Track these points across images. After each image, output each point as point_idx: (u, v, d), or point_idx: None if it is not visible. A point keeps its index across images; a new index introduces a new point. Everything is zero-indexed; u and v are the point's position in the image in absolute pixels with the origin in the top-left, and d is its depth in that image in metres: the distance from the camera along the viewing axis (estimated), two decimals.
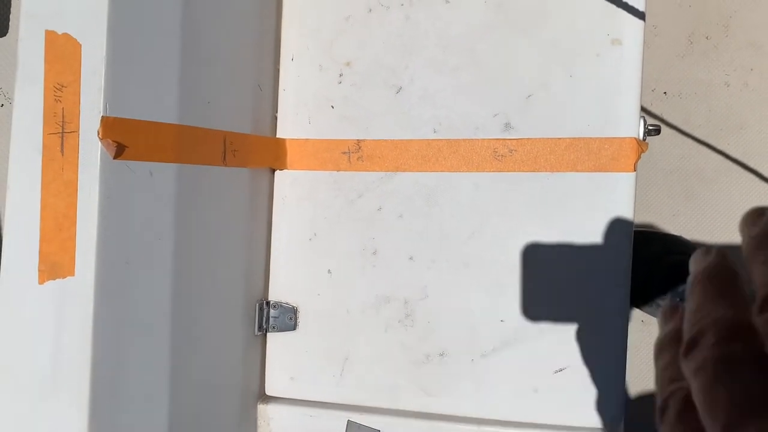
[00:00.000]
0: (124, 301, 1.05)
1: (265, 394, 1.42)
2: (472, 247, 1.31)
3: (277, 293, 1.41)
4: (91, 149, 0.99)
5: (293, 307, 1.40)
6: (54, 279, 1.01)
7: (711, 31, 2.29)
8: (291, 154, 1.39)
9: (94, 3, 0.99)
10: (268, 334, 1.42)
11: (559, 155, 1.27)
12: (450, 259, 1.32)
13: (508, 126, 1.29)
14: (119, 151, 1.01)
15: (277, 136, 1.40)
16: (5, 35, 1.14)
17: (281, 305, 1.40)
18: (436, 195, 1.33)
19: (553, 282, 1.28)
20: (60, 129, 1.00)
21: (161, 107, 1.08)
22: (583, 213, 1.27)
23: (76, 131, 1.00)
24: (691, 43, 2.29)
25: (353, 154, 1.36)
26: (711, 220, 2.28)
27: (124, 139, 1.01)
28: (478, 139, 1.30)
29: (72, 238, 1.00)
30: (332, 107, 1.37)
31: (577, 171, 1.26)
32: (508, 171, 1.29)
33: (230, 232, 1.29)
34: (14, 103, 1.03)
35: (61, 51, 1.00)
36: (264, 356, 1.42)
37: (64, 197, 1.00)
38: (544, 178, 1.28)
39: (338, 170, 1.37)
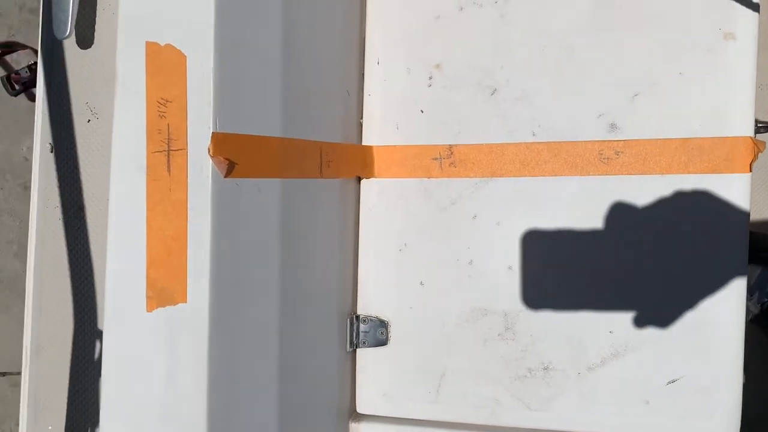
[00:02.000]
0: (236, 326, 0.99)
1: (356, 412, 1.36)
2: (577, 256, 1.25)
3: (366, 307, 1.35)
4: (201, 167, 0.93)
5: (384, 321, 1.34)
6: (164, 306, 0.95)
7: None
8: (378, 162, 1.33)
9: (200, 12, 0.92)
10: (358, 350, 1.36)
11: (669, 157, 1.20)
12: (553, 269, 1.26)
13: (613, 126, 1.23)
14: (230, 169, 0.95)
15: (363, 143, 1.34)
16: (90, 47, 1.08)
17: (371, 319, 1.34)
18: (536, 201, 1.26)
19: (664, 290, 1.22)
20: (165, 147, 0.94)
21: (266, 120, 1.02)
22: (695, 217, 1.20)
23: (184, 149, 0.93)
24: None
25: (445, 160, 1.29)
26: None
27: (233, 155, 0.95)
28: (581, 142, 1.24)
29: (183, 262, 0.94)
30: (421, 111, 1.30)
31: (689, 173, 1.20)
32: (615, 174, 1.23)
33: (325, 246, 1.23)
34: (114, 119, 0.97)
35: (164, 63, 0.94)
36: (354, 372, 1.37)
37: (172, 219, 0.94)
38: (654, 180, 1.21)
39: (429, 177, 1.31)
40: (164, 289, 0.95)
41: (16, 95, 2.61)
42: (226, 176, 0.94)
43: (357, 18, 1.30)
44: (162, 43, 0.94)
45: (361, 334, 1.34)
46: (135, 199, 0.95)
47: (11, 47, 2.68)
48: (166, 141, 0.94)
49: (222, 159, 0.93)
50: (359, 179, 1.35)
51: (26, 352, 1.17)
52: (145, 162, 0.94)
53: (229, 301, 0.97)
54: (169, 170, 0.94)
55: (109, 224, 0.96)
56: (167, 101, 0.93)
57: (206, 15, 0.92)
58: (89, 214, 1.11)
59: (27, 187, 2.79)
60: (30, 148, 2.79)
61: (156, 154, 0.94)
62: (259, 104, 1.00)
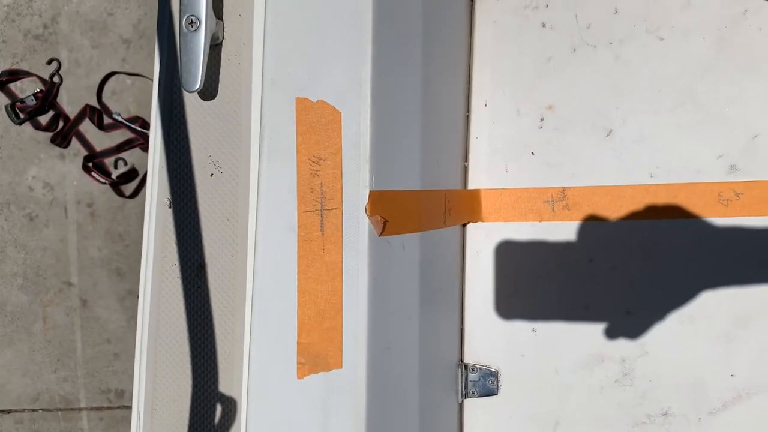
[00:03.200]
0: (386, 390, 0.95)
1: None
2: (698, 298, 1.22)
3: (474, 355, 1.32)
4: (357, 227, 0.89)
5: (494, 370, 1.30)
6: (317, 372, 0.91)
7: None
8: (486, 205, 1.29)
9: (355, 68, 0.89)
10: (467, 400, 1.32)
11: None
12: (673, 312, 1.23)
13: (733, 168, 1.21)
14: (384, 227, 0.91)
15: (469, 186, 1.31)
16: (213, 99, 1.04)
17: (480, 368, 1.30)
18: (654, 244, 1.24)
19: None
20: (319, 206, 0.90)
21: (410, 174, 0.98)
22: None
23: (339, 208, 0.90)
24: None
25: (558, 203, 1.26)
26: None
27: (386, 212, 0.91)
28: (700, 183, 1.21)
29: (338, 327, 0.90)
30: (532, 153, 1.28)
31: None
32: (735, 216, 1.20)
33: (443, 295, 1.19)
34: (258, 178, 0.93)
35: (317, 120, 0.90)
36: (462, 424, 1.32)
37: (326, 281, 0.90)
38: None
39: (541, 221, 1.28)
40: (318, 355, 0.91)
41: (20, 124, 2.56)
42: (380, 235, 0.91)
43: (464, 61, 1.28)
44: (314, 99, 0.90)
45: (470, 384, 1.30)
46: (283, 261, 0.91)
47: (16, 75, 2.63)
48: (320, 200, 0.90)
49: (379, 218, 0.89)
50: (464, 224, 1.31)
51: (139, 415, 1.12)
52: (296, 222, 0.90)
53: (382, 365, 0.93)
54: (322, 230, 0.90)
55: (253, 285, 0.92)
56: (320, 159, 0.90)
57: (363, 71, 0.88)
58: (210, 272, 1.06)
59: (32, 218, 2.74)
60: (36, 178, 2.75)
61: (308, 213, 0.90)
62: (404, 159, 0.97)
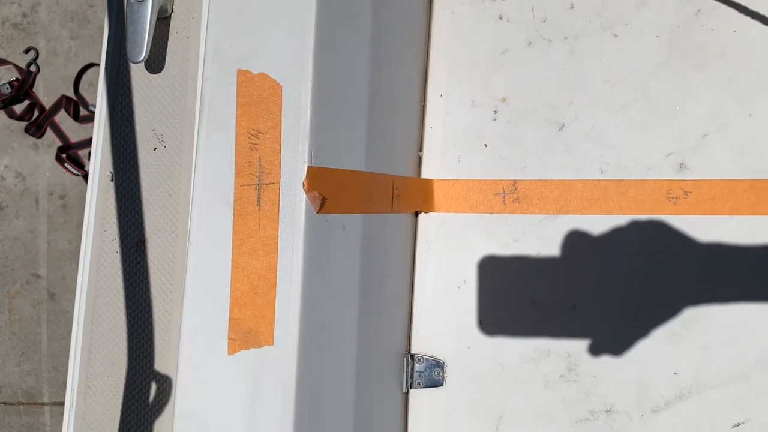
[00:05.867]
0: (319, 369, 0.94)
1: None
2: (643, 297, 1.23)
3: (421, 345, 1.31)
4: (294, 202, 0.88)
5: (440, 361, 1.29)
6: (247, 349, 0.89)
7: None
8: (438, 196, 1.29)
9: (298, 41, 0.88)
10: (411, 390, 1.31)
11: (738, 197, 1.19)
12: (618, 309, 1.24)
13: (682, 166, 1.22)
14: (323, 204, 0.90)
15: (422, 176, 1.31)
16: (160, 72, 1.03)
17: (427, 358, 1.30)
18: (603, 240, 1.24)
19: (730, 331, 1.20)
20: (256, 180, 0.89)
21: (353, 154, 0.98)
22: (763, 258, 1.19)
23: (276, 183, 0.89)
24: None
25: (509, 195, 1.26)
26: None
27: (324, 190, 0.91)
28: (649, 180, 1.22)
29: (271, 303, 0.89)
30: (485, 145, 1.27)
31: (759, 214, 1.19)
32: (682, 214, 1.21)
33: (390, 282, 1.18)
34: (196, 150, 0.92)
35: (257, 93, 0.89)
36: (406, 414, 1.31)
37: (260, 256, 0.89)
38: (722, 222, 1.20)
39: (491, 212, 1.27)
40: (249, 332, 0.89)
41: None
42: (318, 212, 0.90)
43: (421, 50, 1.27)
44: (255, 72, 0.89)
45: (416, 374, 1.29)
46: (218, 235, 0.90)
47: None
48: (257, 174, 0.89)
49: (317, 194, 0.88)
50: (416, 213, 1.31)
51: (72, 392, 1.10)
52: (232, 196, 0.89)
53: (315, 343, 0.92)
54: (259, 205, 0.89)
55: (188, 260, 0.91)
56: (260, 133, 0.89)
57: (305, 44, 0.88)
58: (150, 248, 1.05)
59: (2, 208, 2.70)
60: (8, 167, 2.71)
61: (245, 187, 0.89)
62: (347, 138, 0.96)
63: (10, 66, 2.63)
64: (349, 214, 0.97)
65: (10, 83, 2.55)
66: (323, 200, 0.90)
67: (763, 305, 1.19)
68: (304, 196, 0.88)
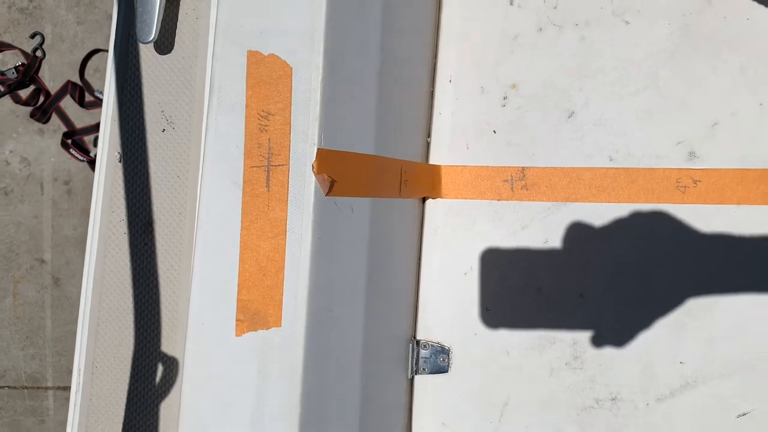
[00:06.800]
0: (326, 353, 0.94)
1: None
2: (651, 285, 1.22)
3: (426, 331, 1.31)
4: (303, 184, 0.88)
5: (446, 347, 1.29)
6: (255, 330, 0.90)
7: None
8: (446, 182, 1.29)
9: (309, 23, 0.88)
10: (417, 376, 1.31)
11: (748, 187, 1.19)
12: (625, 298, 1.23)
13: (692, 155, 1.21)
14: (331, 187, 0.90)
15: (430, 162, 1.30)
16: (169, 53, 1.02)
17: (432, 345, 1.30)
18: (611, 228, 1.23)
19: (737, 321, 1.20)
20: (266, 162, 0.89)
21: (362, 138, 0.97)
22: None
23: (286, 164, 0.88)
24: None
25: (517, 183, 1.26)
26: None
27: (333, 173, 0.90)
28: (659, 169, 1.21)
29: (279, 285, 0.89)
30: (494, 132, 1.27)
31: None
32: (691, 203, 1.21)
33: (397, 268, 1.18)
34: (206, 131, 0.91)
35: (267, 75, 0.89)
36: (411, 400, 1.32)
37: (269, 238, 0.89)
38: (731, 211, 1.20)
39: (499, 199, 1.27)
40: (257, 313, 0.89)
41: (0, 97, 2.52)
42: (327, 194, 0.89)
43: (431, 35, 1.27)
44: (265, 53, 0.89)
45: (421, 360, 1.29)
46: (227, 216, 0.90)
47: None
48: (267, 156, 0.89)
49: (326, 176, 0.88)
50: (424, 199, 1.31)
51: (79, 372, 1.10)
52: (241, 177, 0.89)
53: (323, 326, 0.92)
54: (268, 186, 0.89)
55: (196, 241, 0.91)
56: (269, 114, 0.88)
57: (317, 26, 0.87)
58: (158, 230, 1.05)
59: (7, 193, 2.70)
60: (13, 152, 2.71)
61: (254, 169, 0.89)
62: (356, 121, 0.96)
63: (16, 51, 2.62)
64: (357, 197, 0.97)
65: (15, 68, 2.54)
66: (332, 183, 0.90)
67: (764, 295, 1.18)
68: (313, 178, 0.88)
